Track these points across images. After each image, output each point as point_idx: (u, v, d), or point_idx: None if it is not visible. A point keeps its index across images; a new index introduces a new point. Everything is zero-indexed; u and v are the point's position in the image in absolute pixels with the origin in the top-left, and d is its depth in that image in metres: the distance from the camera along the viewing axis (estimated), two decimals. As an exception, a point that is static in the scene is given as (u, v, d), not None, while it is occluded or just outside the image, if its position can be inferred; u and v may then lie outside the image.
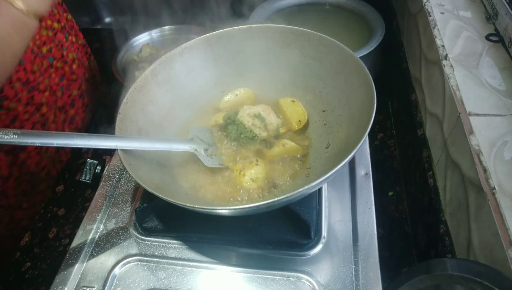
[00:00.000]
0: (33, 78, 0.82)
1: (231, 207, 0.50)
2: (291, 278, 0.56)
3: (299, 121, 0.70)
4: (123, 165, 0.55)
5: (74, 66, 0.98)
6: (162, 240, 0.62)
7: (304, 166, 0.65)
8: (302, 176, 0.64)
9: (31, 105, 0.83)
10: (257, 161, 0.64)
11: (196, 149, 0.65)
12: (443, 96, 0.68)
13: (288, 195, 0.47)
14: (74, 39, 1.01)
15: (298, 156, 0.66)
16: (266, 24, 0.72)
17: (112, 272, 0.58)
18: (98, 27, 1.63)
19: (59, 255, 0.77)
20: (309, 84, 0.72)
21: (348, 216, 0.63)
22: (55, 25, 0.93)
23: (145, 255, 0.60)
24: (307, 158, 0.66)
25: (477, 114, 0.60)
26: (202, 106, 0.75)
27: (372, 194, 0.66)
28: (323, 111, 0.70)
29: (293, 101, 0.72)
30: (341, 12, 1.14)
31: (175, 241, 0.61)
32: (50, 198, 0.88)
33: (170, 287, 0.56)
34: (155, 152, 0.64)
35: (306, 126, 0.71)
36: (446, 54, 0.71)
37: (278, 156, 0.66)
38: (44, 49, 0.87)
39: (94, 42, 1.30)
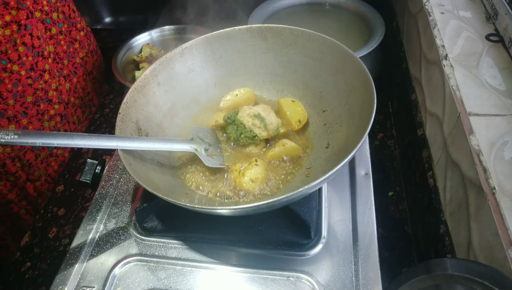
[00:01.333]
0: (38, 44, 0.82)
1: (231, 207, 0.50)
2: (291, 278, 0.56)
3: (299, 121, 0.70)
4: (123, 165, 0.55)
5: (82, 34, 0.99)
6: (162, 240, 0.62)
7: (304, 166, 0.65)
8: (302, 176, 0.64)
9: (35, 71, 0.84)
10: (256, 161, 0.64)
11: (196, 149, 0.65)
12: (443, 96, 0.68)
13: (288, 195, 0.47)
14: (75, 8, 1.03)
15: (299, 155, 0.66)
16: (266, 24, 0.72)
17: (112, 272, 0.58)
18: (98, 27, 1.63)
19: (59, 255, 0.77)
20: (309, 84, 0.72)
21: (348, 216, 0.63)
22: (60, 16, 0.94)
23: (145, 255, 0.60)
24: (307, 158, 0.66)
25: (477, 114, 0.60)
26: (202, 106, 0.75)
27: (372, 194, 0.66)
28: (323, 111, 0.70)
29: (293, 101, 0.72)
30: (341, 12, 1.14)
31: (175, 241, 0.61)
32: (50, 198, 0.88)
33: (170, 287, 0.56)
34: (155, 152, 0.64)
35: (306, 126, 0.71)
36: (446, 54, 0.70)
37: (278, 156, 0.66)
38: (54, 15, 0.87)
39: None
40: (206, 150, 0.66)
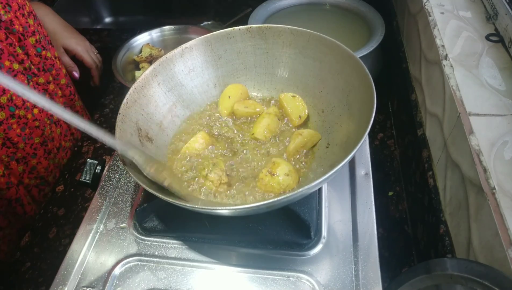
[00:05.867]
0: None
1: (231, 207, 0.51)
2: (291, 278, 0.56)
3: (299, 116, 0.69)
4: (123, 165, 0.55)
5: (36, 111, 0.87)
6: (162, 240, 0.62)
7: (304, 166, 0.65)
8: (302, 176, 0.64)
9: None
10: (277, 158, 0.63)
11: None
12: (443, 96, 0.68)
13: (288, 195, 0.47)
14: (41, 80, 0.91)
15: (300, 155, 0.66)
16: (266, 24, 0.72)
17: (112, 272, 0.58)
18: (98, 27, 1.63)
19: (59, 255, 0.77)
20: (309, 84, 0.72)
21: (348, 216, 0.63)
22: (15, 66, 0.83)
23: (145, 255, 0.60)
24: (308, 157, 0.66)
25: (477, 114, 0.60)
26: (202, 106, 0.75)
27: (372, 194, 0.66)
28: (323, 111, 0.70)
29: (294, 96, 0.71)
30: (341, 12, 1.14)
31: (175, 241, 0.61)
32: (50, 198, 0.88)
33: (170, 287, 0.56)
34: (155, 152, 0.65)
35: (306, 122, 0.71)
36: (446, 54, 0.71)
37: (301, 147, 0.65)
38: (4, 99, 0.79)
39: (94, 42, 1.30)
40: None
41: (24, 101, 0.83)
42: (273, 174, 0.60)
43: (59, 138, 0.97)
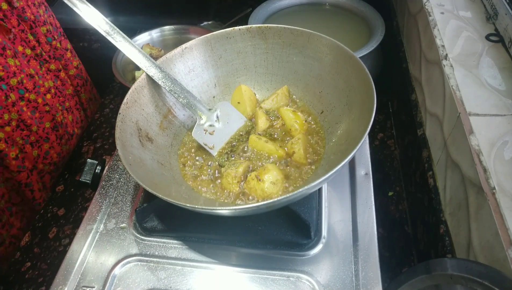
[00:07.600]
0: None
1: (231, 208, 0.51)
2: (291, 278, 0.56)
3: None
4: (123, 165, 0.55)
5: (48, 96, 0.89)
6: (162, 240, 0.62)
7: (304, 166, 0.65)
8: (301, 176, 0.63)
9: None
10: (267, 163, 0.63)
11: (201, 116, 0.67)
12: (443, 96, 0.68)
13: (288, 195, 0.47)
14: (52, 67, 0.93)
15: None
16: (266, 24, 0.72)
17: (112, 272, 0.58)
18: (98, 27, 1.62)
19: (59, 255, 0.77)
20: (309, 84, 0.72)
21: (348, 216, 0.63)
22: (28, 51, 0.86)
23: (145, 255, 0.60)
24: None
25: (477, 114, 0.60)
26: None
27: (372, 194, 0.66)
28: (323, 111, 0.70)
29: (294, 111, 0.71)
30: (341, 12, 1.14)
31: (175, 241, 0.61)
32: (50, 198, 0.88)
33: (170, 287, 0.56)
34: (155, 152, 0.64)
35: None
36: (446, 54, 0.71)
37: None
38: (14, 81, 0.79)
39: (94, 42, 1.31)
40: (209, 125, 0.67)
41: (35, 85, 0.85)
42: (260, 180, 0.60)
43: (71, 125, 0.98)
